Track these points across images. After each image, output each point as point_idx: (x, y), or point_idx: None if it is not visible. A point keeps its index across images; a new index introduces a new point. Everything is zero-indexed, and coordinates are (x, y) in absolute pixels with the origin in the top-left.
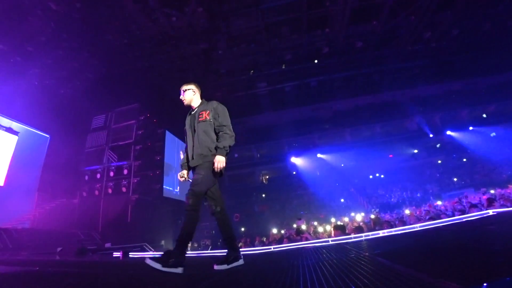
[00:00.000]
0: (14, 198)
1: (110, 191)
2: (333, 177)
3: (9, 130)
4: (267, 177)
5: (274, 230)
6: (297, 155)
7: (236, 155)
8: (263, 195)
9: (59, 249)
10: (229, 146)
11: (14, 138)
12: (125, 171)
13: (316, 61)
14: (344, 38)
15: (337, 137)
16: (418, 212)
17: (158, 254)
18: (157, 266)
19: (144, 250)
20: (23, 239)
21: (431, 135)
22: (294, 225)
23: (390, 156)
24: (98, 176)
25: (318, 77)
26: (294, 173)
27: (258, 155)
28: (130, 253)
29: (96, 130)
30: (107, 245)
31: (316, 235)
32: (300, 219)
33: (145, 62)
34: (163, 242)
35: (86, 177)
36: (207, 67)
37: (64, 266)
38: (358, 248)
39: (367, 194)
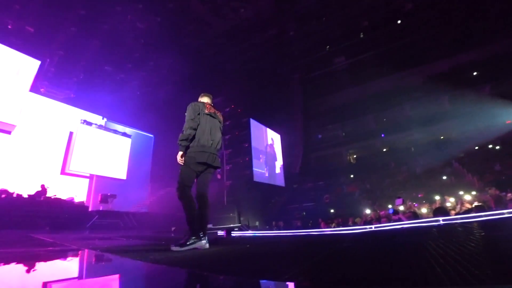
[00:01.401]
0: (134, 188)
1: None
2: (431, 151)
3: (124, 134)
4: (355, 156)
5: (368, 211)
6: (386, 130)
7: (319, 136)
8: (352, 176)
9: (173, 228)
10: (182, 140)
11: (129, 141)
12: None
13: (399, 21)
14: None
15: (433, 105)
16: None
17: (250, 233)
18: (175, 248)
19: (241, 230)
20: (143, 220)
21: None
22: (389, 206)
23: (507, 122)
24: None
25: (403, 39)
26: (385, 150)
27: (343, 134)
28: (232, 232)
29: None
30: (209, 225)
31: (417, 216)
32: (399, 197)
33: (222, 57)
34: (257, 223)
35: None
36: (280, 51)
37: None
38: (480, 228)
39: (477, 169)
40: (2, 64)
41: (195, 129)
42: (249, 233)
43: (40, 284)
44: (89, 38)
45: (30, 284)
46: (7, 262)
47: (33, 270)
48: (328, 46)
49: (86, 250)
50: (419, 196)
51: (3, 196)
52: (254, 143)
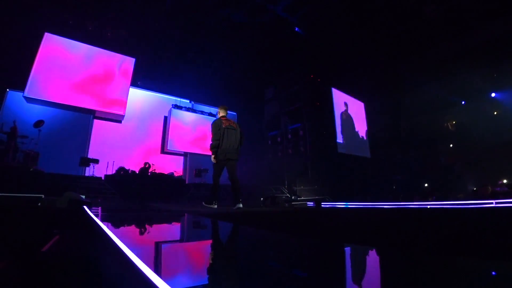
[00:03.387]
0: None
1: (290, 151)
2: None
3: (210, 114)
4: (454, 122)
5: (473, 186)
6: (498, 87)
7: (408, 101)
8: (451, 145)
9: (262, 198)
10: (211, 148)
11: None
12: (301, 133)
13: None
14: None
15: None
16: None
17: (342, 204)
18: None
19: (326, 201)
20: None
21: None
22: (504, 181)
23: None
24: (279, 139)
25: None
26: (496, 113)
27: (439, 97)
28: (321, 204)
29: (270, 101)
30: (294, 197)
31: None
32: None
33: (297, 27)
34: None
35: (269, 142)
36: (358, 10)
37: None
38: None
39: None
40: (108, 66)
41: (218, 140)
42: (340, 204)
43: (167, 235)
44: (171, 30)
45: (161, 235)
46: (141, 221)
47: (163, 226)
48: None
49: (190, 215)
50: None
51: (121, 172)
52: (335, 113)
